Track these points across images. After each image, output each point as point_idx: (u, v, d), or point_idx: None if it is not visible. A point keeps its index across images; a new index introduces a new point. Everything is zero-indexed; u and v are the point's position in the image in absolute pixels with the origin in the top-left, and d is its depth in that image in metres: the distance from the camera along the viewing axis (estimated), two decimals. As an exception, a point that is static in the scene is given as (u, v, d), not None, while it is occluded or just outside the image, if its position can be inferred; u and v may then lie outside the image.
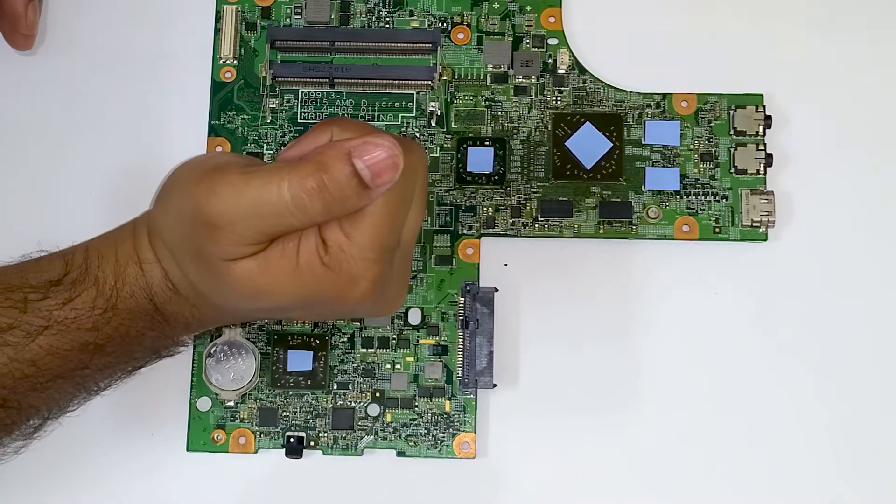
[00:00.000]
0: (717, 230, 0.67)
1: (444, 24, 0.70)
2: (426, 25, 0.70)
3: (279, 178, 0.51)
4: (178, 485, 0.65)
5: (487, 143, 0.68)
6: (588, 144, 0.67)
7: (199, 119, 0.69)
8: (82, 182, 0.69)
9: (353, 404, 0.65)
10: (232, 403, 0.65)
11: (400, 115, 0.69)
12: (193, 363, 0.66)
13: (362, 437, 0.65)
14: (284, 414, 0.65)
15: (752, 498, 0.64)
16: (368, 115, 0.69)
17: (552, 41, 0.69)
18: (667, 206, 0.67)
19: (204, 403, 0.65)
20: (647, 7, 0.71)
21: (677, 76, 0.69)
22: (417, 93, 0.69)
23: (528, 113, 0.68)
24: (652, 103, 0.68)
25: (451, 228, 0.67)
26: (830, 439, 0.65)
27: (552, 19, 0.70)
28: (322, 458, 0.65)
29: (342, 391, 0.65)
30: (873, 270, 0.67)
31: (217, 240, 0.51)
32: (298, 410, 0.65)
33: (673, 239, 0.67)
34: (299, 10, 0.70)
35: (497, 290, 0.65)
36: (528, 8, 0.70)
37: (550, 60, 0.69)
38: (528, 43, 0.69)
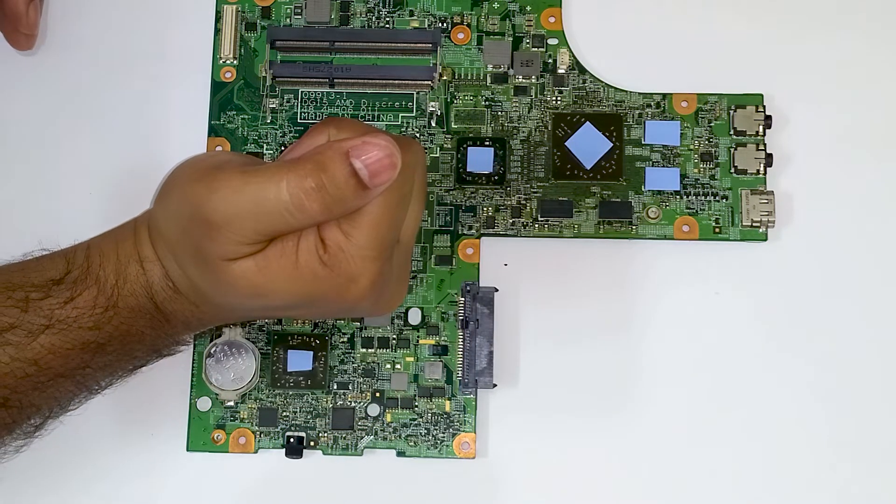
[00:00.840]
0: (717, 230, 0.67)
1: (444, 24, 0.70)
2: (426, 25, 0.70)
3: (278, 177, 0.51)
4: (178, 485, 0.65)
5: (487, 143, 0.68)
6: (588, 144, 0.67)
7: (199, 119, 0.69)
8: (82, 182, 0.69)
9: (353, 404, 0.65)
10: (232, 403, 0.65)
11: (400, 115, 0.69)
12: (193, 363, 0.66)
13: (362, 437, 0.65)
14: (284, 414, 0.65)
15: (752, 497, 0.64)
16: (368, 115, 0.69)
17: (552, 41, 0.70)
18: (667, 206, 0.67)
19: (204, 403, 0.65)
20: (647, 7, 0.71)
21: (677, 76, 0.69)
22: (417, 93, 0.69)
23: (528, 113, 0.68)
24: (652, 103, 0.68)
25: (451, 228, 0.67)
26: (830, 438, 0.65)
27: (552, 19, 0.70)
28: (322, 458, 0.65)
29: (342, 391, 0.65)
30: (873, 270, 0.67)
31: (216, 239, 0.51)
32: (298, 410, 0.65)
33: (673, 239, 0.67)
34: (299, 10, 0.70)
35: (497, 290, 0.65)
36: (528, 8, 0.70)
37: (550, 60, 0.69)
38: (528, 43, 0.69)
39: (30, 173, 0.69)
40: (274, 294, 0.52)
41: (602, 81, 0.69)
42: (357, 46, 0.69)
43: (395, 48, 0.69)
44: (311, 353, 0.65)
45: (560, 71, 0.69)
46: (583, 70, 0.69)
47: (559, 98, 0.69)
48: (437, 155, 0.68)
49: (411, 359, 0.66)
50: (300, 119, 0.69)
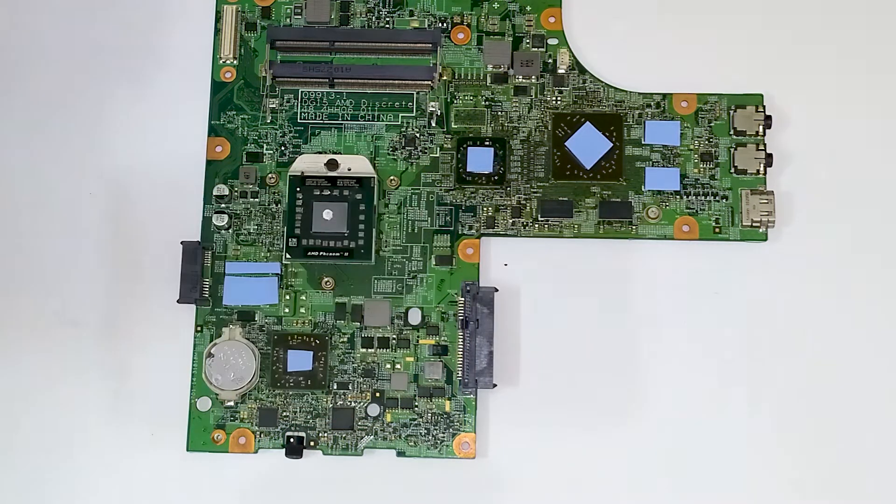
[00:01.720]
0: (717, 230, 0.67)
1: (444, 24, 0.70)
2: (426, 25, 0.70)
3: None
4: (178, 485, 0.65)
5: (487, 143, 0.68)
6: (588, 144, 0.67)
7: (199, 119, 0.69)
8: (82, 182, 0.69)
9: (353, 404, 0.65)
10: (232, 403, 0.65)
11: (400, 115, 0.69)
12: (193, 363, 0.66)
13: (362, 437, 0.65)
14: (284, 414, 0.65)
15: (752, 497, 0.64)
16: (368, 115, 0.69)
17: (552, 41, 0.69)
18: (667, 206, 0.67)
19: (204, 403, 0.65)
20: (647, 7, 0.71)
21: (677, 76, 0.69)
22: (417, 93, 0.69)
23: (528, 113, 0.68)
24: (652, 103, 0.68)
25: (451, 228, 0.67)
26: (830, 438, 0.65)
27: (552, 19, 0.70)
28: (322, 458, 0.65)
29: (342, 391, 0.65)
30: (873, 270, 0.67)
31: None
32: (298, 410, 0.65)
33: (673, 239, 0.67)
34: (299, 10, 0.70)
35: (497, 290, 0.65)
36: (528, 8, 0.70)
37: (550, 60, 0.69)
38: (528, 43, 0.69)
39: (30, 173, 0.69)
40: None
41: (602, 81, 0.69)
42: (357, 46, 0.69)
43: (395, 48, 0.69)
44: (311, 353, 0.65)
45: (560, 71, 0.69)
46: (583, 70, 0.69)
47: (559, 98, 0.69)
48: (437, 155, 0.68)
49: (411, 359, 0.66)
50: (300, 119, 0.69)
